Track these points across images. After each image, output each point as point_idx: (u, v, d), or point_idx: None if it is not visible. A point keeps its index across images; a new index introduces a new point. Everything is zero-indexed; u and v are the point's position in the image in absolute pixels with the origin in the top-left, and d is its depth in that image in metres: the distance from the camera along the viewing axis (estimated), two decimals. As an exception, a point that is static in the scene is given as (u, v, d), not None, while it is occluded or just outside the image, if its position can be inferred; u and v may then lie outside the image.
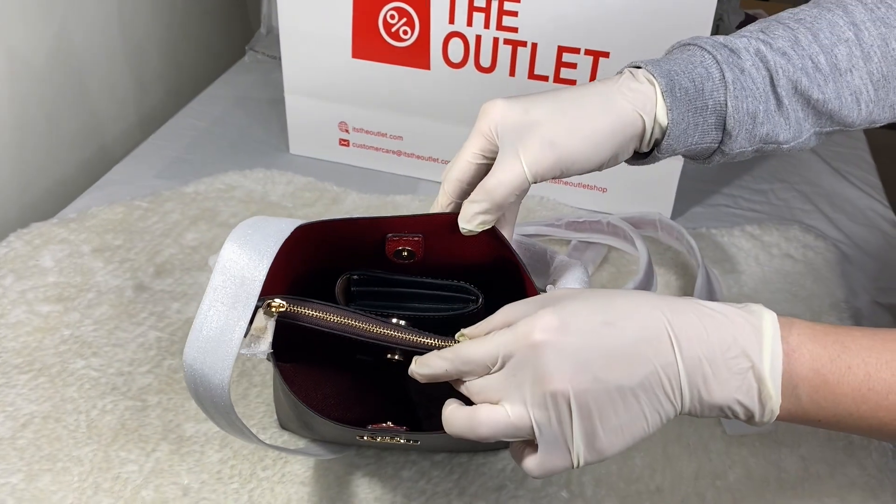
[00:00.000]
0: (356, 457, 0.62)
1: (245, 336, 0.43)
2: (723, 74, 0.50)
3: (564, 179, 0.91)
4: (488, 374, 0.42)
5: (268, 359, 0.47)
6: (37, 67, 0.93)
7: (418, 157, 0.97)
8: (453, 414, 0.43)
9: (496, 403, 0.42)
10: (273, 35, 1.22)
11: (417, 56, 0.89)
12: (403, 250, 0.51)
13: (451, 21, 0.85)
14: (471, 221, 0.49)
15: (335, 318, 0.45)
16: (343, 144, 0.99)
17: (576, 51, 0.83)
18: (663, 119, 0.49)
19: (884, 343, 0.41)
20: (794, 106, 0.52)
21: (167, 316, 0.74)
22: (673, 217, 0.91)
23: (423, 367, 0.45)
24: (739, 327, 0.40)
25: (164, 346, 0.71)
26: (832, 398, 0.41)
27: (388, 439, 0.48)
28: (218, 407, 0.44)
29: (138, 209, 0.88)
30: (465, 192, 0.51)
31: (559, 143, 0.47)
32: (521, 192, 0.49)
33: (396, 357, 0.48)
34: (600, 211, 0.91)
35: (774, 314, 0.41)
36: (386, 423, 0.48)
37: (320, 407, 0.51)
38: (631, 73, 0.51)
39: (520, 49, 0.85)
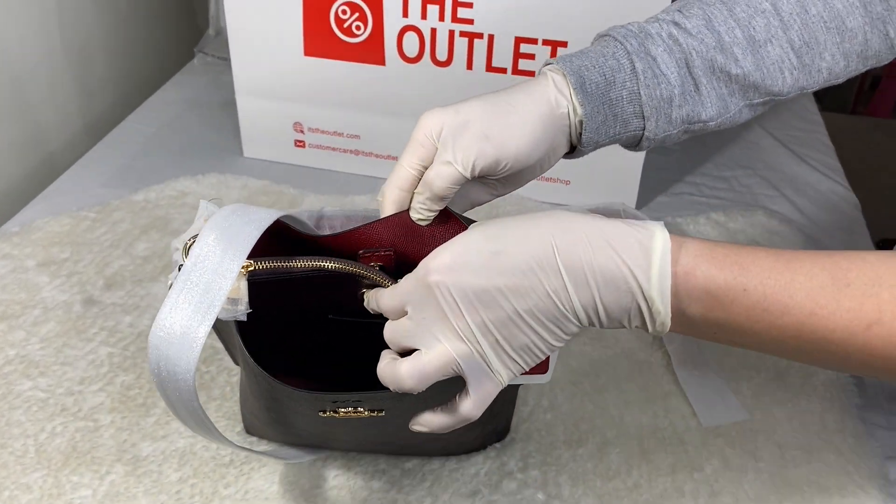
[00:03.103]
0: (323, 468, 0.59)
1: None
2: (633, 65, 0.51)
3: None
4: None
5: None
6: (-29, 75, 0.88)
7: (376, 155, 0.95)
8: (383, 369, 0.45)
9: (414, 350, 0.44)
10: (222, 36, 1.18)
11: (371, 52, 0.86)
12: (375, 266, 0.50)
13: (405, 14, 0.83)
14: (419, 211, 0.50)
15: (301, 264, 0.46)
16: (299, 145, 0.96)
17: (533, 41, 0.82)
18: (580, 112, 0.51)
19: (787, 264, 0.40)
20: (713, 84, 0.53)
21: (119, 330, 0.71)
22: (637, 207, 0.90)
23: (367, 303, 0.48)
24: (628, 248, 0.41)
25: (116, 363, 0.67)
26: (725, 317, 0.41)
27: (351, 411, 0.48)
28: (183, 399, 0.43)
29: (85, 220, 0.84)
30: (407, 200, 0.52)
31: (492, 135, 0.49)
32: (460, 185, 0.50)
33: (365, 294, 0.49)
34: (564, 204, 0.90)
35: (667, 234, 0.41)
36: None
37: (285, 380, 0.50)
38: (548, 71, 0.52)
39: (476, 41, 0.83)
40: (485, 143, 0.48)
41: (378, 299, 0.47)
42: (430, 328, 0.43)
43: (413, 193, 0.50)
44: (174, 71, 1.21)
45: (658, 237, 0.41)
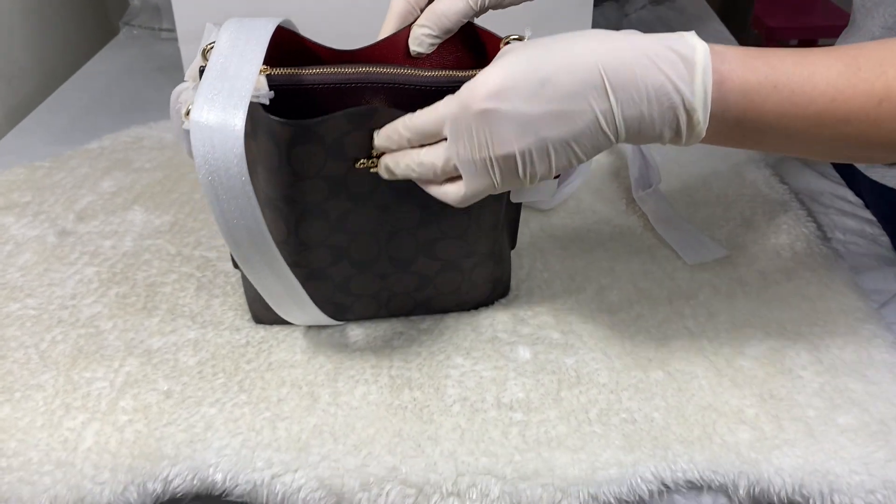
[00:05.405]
0: (342, 337, 0.60)
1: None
2: None
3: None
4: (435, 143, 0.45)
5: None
6: None
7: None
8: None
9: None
10: (149, 6, 1.17)
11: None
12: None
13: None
14: (422, 44, 0.52)
15: (317, 70, 0.47)
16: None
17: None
18: None
19: (805, 58, 0.43)
20: None
21: (101, 253, 0.69)
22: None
23: (383, 139, 0.47)
24: (672, 63, 0.42)
25: (105, 278, 0.66)
26: (758, 116, 0.43)
27: (375, 160, 0.49)
28: (236, 194, 0.44)
29: (40, 169, 0.82)
30: (411, 12, 0.54)
31: None
32: (467, 16, 0.53)
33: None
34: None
35: (706, 45, 0.43)
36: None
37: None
38: None
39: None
40: None
41: (412, 119, 0.46)
42: (473, 155, 0.44)
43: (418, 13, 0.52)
44: (90, 52, 1.18)
45: (699, 50, 0.42)
